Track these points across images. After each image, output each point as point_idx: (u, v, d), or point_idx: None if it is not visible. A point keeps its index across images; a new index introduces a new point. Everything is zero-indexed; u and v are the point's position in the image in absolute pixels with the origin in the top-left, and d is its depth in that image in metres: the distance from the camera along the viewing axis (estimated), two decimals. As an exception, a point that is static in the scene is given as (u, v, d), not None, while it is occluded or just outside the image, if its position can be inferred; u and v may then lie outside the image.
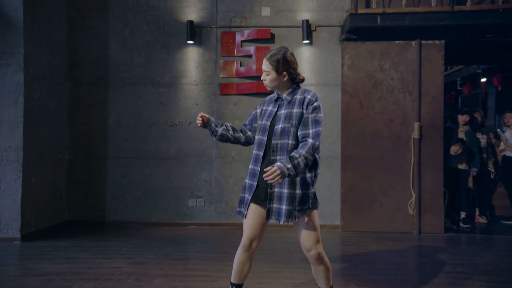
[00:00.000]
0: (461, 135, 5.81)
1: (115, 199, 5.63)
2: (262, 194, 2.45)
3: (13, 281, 3.47)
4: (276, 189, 2.41)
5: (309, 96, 2.44)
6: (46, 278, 3.51)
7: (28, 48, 4.75)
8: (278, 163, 2.24)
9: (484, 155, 6.04)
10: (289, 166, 2.23)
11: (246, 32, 5.55)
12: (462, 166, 5.78)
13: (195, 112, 5.59)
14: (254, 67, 5.49)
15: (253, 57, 5.50)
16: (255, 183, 2.47)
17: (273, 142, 2.44)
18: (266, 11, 5.59)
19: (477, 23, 5.05)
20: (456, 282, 3.54)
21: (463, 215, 5.84)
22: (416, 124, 5.30)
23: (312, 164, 2.41)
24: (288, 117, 2.43)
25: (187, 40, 5.55)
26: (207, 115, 2.58)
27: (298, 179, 2.40)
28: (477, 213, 6.17)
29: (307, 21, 5.45)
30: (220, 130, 2.61)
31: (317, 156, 2.42)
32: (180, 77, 5.64)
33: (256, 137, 2.55)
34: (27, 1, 4.72)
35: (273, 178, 2.19)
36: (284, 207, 2.39)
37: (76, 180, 5.63)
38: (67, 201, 5.60)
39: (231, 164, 5.59)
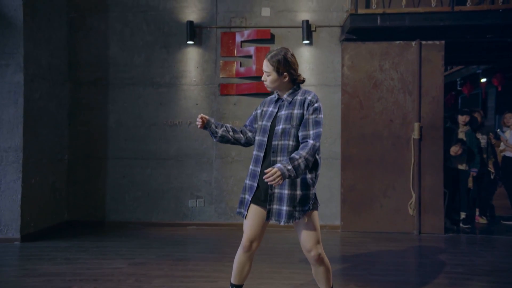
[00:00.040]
0: (461, 135, 5.81)
1: (115, 200, 5.62)
2: (263, 195, 2.45)
3: (12, 281, 3.47)
4: (276, 190, 2.41)
5: (309, 97, 2.44)
6: (45, 278, 3.51)
7: (28, 48, 4.75)
8: (278, 165, 2.24)
9: (484, 156, 6.04)
10: (290, 167, 2.23)
11: (246, 32, 5.55)
12: (462, 167, 5.78)
13: (195, 112, 5.59)
14: (254, 67, 5.49)
15: (253, 57, 5.49)
16: (256, 184, 2.47)
17: (273, 143, 2.44)
18: (266, 12, 5.58)
19: (477, 23, 5.05)
20: (456, 282, 3.54)
21: (463, 215, 5.84)
22: (416, 125, 5.30)
23: (313, 165, 2.41)
24: (289, 118, 2.43)
25: (187, 41, 5.55)
26: (207, 117, 2.58)
27: (298, 180, 2.40)
28: (477, 213, 6.17)
29: (307, 21, 5.45)
30: (220, 131, 2.60)
31: (317, 157, 2.42)
32: (180, 77, 5.64)
33: (257, 138, 2.54)
34: (27, 1, 4.72)
35: (274, 179, 2.19)
36: (284, 208, 2.39)
37: (76, 181, 5.63)
38: (67, 201, 5.59)
39: (231, 164, 5.59)
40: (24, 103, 4.69)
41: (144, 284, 3.40)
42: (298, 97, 2.47)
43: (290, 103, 2.48)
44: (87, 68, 5.66)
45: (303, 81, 2.54)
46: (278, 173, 2.20)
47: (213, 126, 2.59)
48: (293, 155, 2.29)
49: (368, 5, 5.34)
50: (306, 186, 2.41)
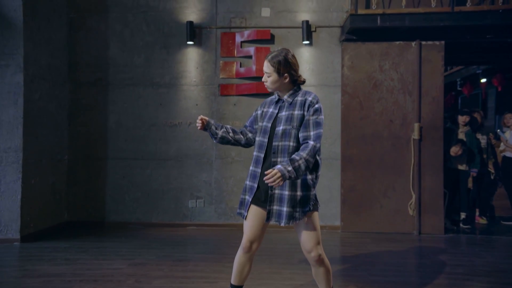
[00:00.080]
0: (461, 135, 5.81)
1: (115, 200, 5.62)
2: (263, 196, 2.45)
3: (12, 282, 3.46)
4: (276, 191, 2.41)
5: (310, 98, 2.44)
6: (45, 279, 3.50)
7: (28, 49, 4.75)
8: (278, 166, 2.24)
9: (484, 156, 6.03)
10: (290, 168, 2.23)
11: (246, 32, 5.54)
12: (462, 167, 5.78)
13: (195, 113, 5.59)
14: (254, 67, 5.49)
15: (253, 57, 5.49)
16: (256, 185, 2.47)
17: (274, 144, 2.43)
18: (266, 12, 5.58)
19: (477, 23, 5.05)
20: (456, 283, 3.53)
21: (463, 216, 5.84)
22: (416, 125, 5.30)
23: (313, 166, 2.41)
24: (289, 119, 2.43)
25: (187, 41, 5.55)
26: (206, 118, 2.58)
27: (299, 181, 2.40)
28: (477, 213, 6.16)
29: (307, 21, 5.45)
30: (220, 133, 2.60)
31: (318, 158, 2.42)
32: (180, 78, 5.64)
33: (257, 138, 2.54)
34: (27, 2, 4.72)
35: (274, 181, 2.19)
36: (285, 209, 2.38)
37: (76, 181, 5.63)
38: (66, 202, 5.59)
39: (231, 165, 5.58)
40: (24, 104, 4.69)
41: (144, 285, 3.40)
42: (299, 98, 2.47)
43: (290, 104, 2.48)
44: (87, 68, 5.66)
45: (304, 82, 2.54)
46: (279, 174, 2.20)
47: (213, 127, 2.59)
48: (293, 156, 2.29)
49: (368, 6, 5.34)
50: (306, 187, 2.41)
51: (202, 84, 5.63)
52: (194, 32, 5.58)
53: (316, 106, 2.42)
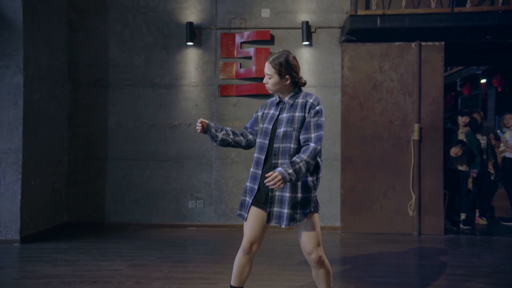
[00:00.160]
0: (461, 136, 5.81)
1: (114, 201, 5.62)
2: (263, 198, 2.44)
3: (12, 283, 3.46)
4: (277, 193, 2.41)
5: (311, 100, 2.44)
6: (45, 280, 3.50)
7: (28, 49, 4.75)
8: (279, 168, 2.24)
9: (484, 157, 6.03)
10: (290, 171, 2.23)
11: (246, 33, 5.54)
12: (462, 168, 5.78)
13: (195, 113, 5.59)
14: (253, 68, 5.49)
15: (253, 58, 5.49)
16: (256, 187, 2.46)
17: (275, 145, 2.43)
18: (265, 13, 5.58)
19: (476, 24, 5.05)
20: (456, 284, 3.53)
21: (463, 216, 5.84)
22: (416, 126, 5.30)
23: (314, 168, 2.41)
24: (290, 121, 2.43)
25: (187, 42, 5.55)
26: (206, 121, 2.58)
27: (299, 183, 2.39)
28: (477, 214, 6.16)
29: (307, 22, 5.45)
30: (220, 135, 2.60)
31: (319, 159, 2.42)
32: (180, 78, 5.64)
33: (258, 140, 2.54)
34: (27, 2, 4.71)
35: (275, 183, 2.19)
36: (285, 210, 2.38)
37: (76, 182, 5.63)
38: (66, 202, 5.59)
39: (230, 165, 5.58)
40: (24, 105, 4.69)
41: (144, 286, 3.39)
42: (300, 100, 2.47)
43: (291, 105, 2.48)
44: (87, 69, 5.65)
45: (305, 83, 2.54)
46: (279, 177, 2.20)
47: (213, 130, 2.58)
48: (294, 158, 2.29)
49: (367, 6, 5.34)
50: (307, 189, 2.41)
51: (202, 84, 5.63)
52: (194, 33, 5.58)
53: (317, 108, 2.42)
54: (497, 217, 6.28)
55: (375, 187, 5.36)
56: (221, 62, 5.59)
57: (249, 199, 2.49)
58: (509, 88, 10.18)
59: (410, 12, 5.06)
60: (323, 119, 2.43)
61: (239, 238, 2.59)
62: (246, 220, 2.49)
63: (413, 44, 5.35)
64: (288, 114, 2.46)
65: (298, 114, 2.43)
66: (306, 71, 5.50)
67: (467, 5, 5.01)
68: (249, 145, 2.68)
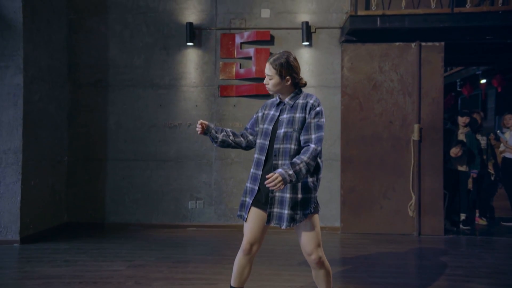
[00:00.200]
0: (461, 136, 5.81)
1: (114, 201, 5.62)
2: (264, 198, 2.44)
3: (12, 284, 3.46)
4: (277, 194, 2.41)
5: (311, 101, 2.45)
6: (45, 281, 3.50)
7: (28, 50, 4.75)
8: (279, 170, 2.24)
9: (484, 157, 6.03)
10: (291, 172, 2.23)
11: (246, 34, 5.54)
12: (462, 168, 5.78)
13: (195, 114, 5.59)
14: (253, 68, 5.49)
15: (253, 58, 5.49)
16: (257, 187, 2.46)
17: (275, 146, 2.43)
18: (265, 13, 5.58)
19: (476, 25, 5.05)
20: (456, 284, 3.53)
21: (463, 217, 5.84)
22: (416, 126, 5.30)
23: (314, 169, 2.41)
24: (291, 121, 2.43)
25: (187, 42, 5.55)
26: (206, 122, 2.58)
27: (300, 183, 2.39)
28: (477, 215, 6.16)
29: (307, 23, 5.45)
30: (220, 137, 2.60)
31: (319, 160, 2.42)
32: (180, 79, 5.64)
33: (258, 141, 2.54)
34: (27, 3, 4.71)
35: (275, 184, 2.19)
36: (286, 211, 2.38)
37: (76, 182, 5.62)
38: (66, 203, 5.59)
39: (230, 166, 5.58)
40: (24, 105, 4.69)
41: (144, 286, 3.39)
42: (300, 101, 2.47)
43: (292, 106, 2.48)
44: (87, 69, 5.65)
45: (305, 84, 2.54)
46: (279, 178, 2.20)
47: (213, 131, 2.58)
48: (294, 159, 2.29)
49: (367, 7, 5.35)
50: (307, 190, 2.41)
51: (202, 85, 5.63)
52: (194, 33, 5.58)
53: (318, 109, 2.42)
54: (497, 218, 6.29)
55: (375, 187, 5.36)
56: (221, 63, 5.59)
57: (249, 200, 2.49)
58: (509, 88, 10.18)
59: (410, 12, 5.06)
60: (324, 120, 2.43)
61: (239, 239, 2.59)
62: (246, 221, 2.49)
63: (413, 45, 5.35)
64: (288, 115, 2.46)
65: (298, 115, 2.43)
66: (306, 72, 5.50)
67: (467, 5, 5.01)
68: (249, 146, 2.68)
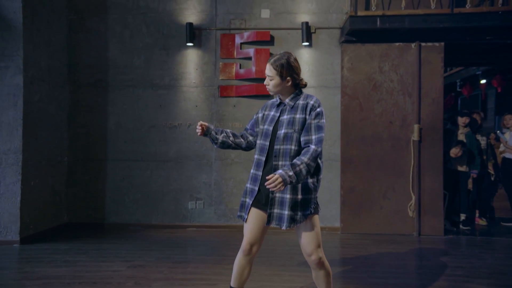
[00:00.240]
0: (461, 137, 5.81)
1: (114, 202, 5.62)
2: (264, 199, 2.44)
3: (12, 284, 3.46)
4: (278, 194, 2.41)
5: (312, 102, 2.45)
6: (45, 281, 3.50)
7: (28, 50, 4.75)
8: (279, 171, 2.24)
9: (484, 157, 6.03)
10: (291, 173, 2.23)
11: (246, 34, 5.54)
12: (462, 168, 5.78)
13: (195, 114, 5.59)
14: (253, 69, 5.49)
15: (253, 59, 5.49)
16: (257, 188, 2.46)
17: (275, 147, 2.43)
18: (265, 13, 5.58)
19: (476, 25, 5.05)
20: (456, 285, 3.53)
21: (463, 217, 5.84)
22: (416, 126, 5.30)
23: (315, 170, 2.41)
24: (291, 122, 2.43)
25: (187, 42, 5.55)
26: (206, 123, 2.57)
27: (300, 184, 2.39)
28: (477, 215, 6.16)
29: (307, 23, 5.45)
30: (220, 138, 2.60)
31: (319, 161, 2.42)
32: (180, 79, 5.64)
33: (258, 141, 2.54)
34: (27, 3, 4.71)
35: (275, 186, 2.19)
36: (286, 212, 2.38)
37: (76, 183, 5.62)
38: (66, 203, 5.59)
39: (230, 166, 5.58)
40: (24, 105, 4.69)
41: (144, 287, 3.39)
42: (300, 102, 2.47)
43: (292, 107, 2.48)
44: (87, 70, 5.66)
45: (305, 85, 2.54)
46: (280, 179, 2.20)
47: (213, 132, 2.58)
48: (294, 160, 2.29)
49: (367, 7, 5.35)
50: (307, 191, 2.41)
51: (202, 85, 5.63)
52: (194, 34, 5.58)
53: (318, 110, 2.42)
54: (497, 218, 6.29)
55: (375, 187, 5.37)
56: (221, 63, 5.59)
57: (249, 201, 2.49)
58: (509, 88, 10.19)
59: (410, 12, 5.06)
60: (324, 121, 2.43)
61: (239, 239, 2.59)
62: (246, 222, 2.49)
63: (413, 45, 5.35)
64: (288, 116, 2.46)
65: (298, 116, 2.43)
66: (306, 72, 5.50)
67: (466, 5, 5.01)
68: (250, 147, 2.68)
